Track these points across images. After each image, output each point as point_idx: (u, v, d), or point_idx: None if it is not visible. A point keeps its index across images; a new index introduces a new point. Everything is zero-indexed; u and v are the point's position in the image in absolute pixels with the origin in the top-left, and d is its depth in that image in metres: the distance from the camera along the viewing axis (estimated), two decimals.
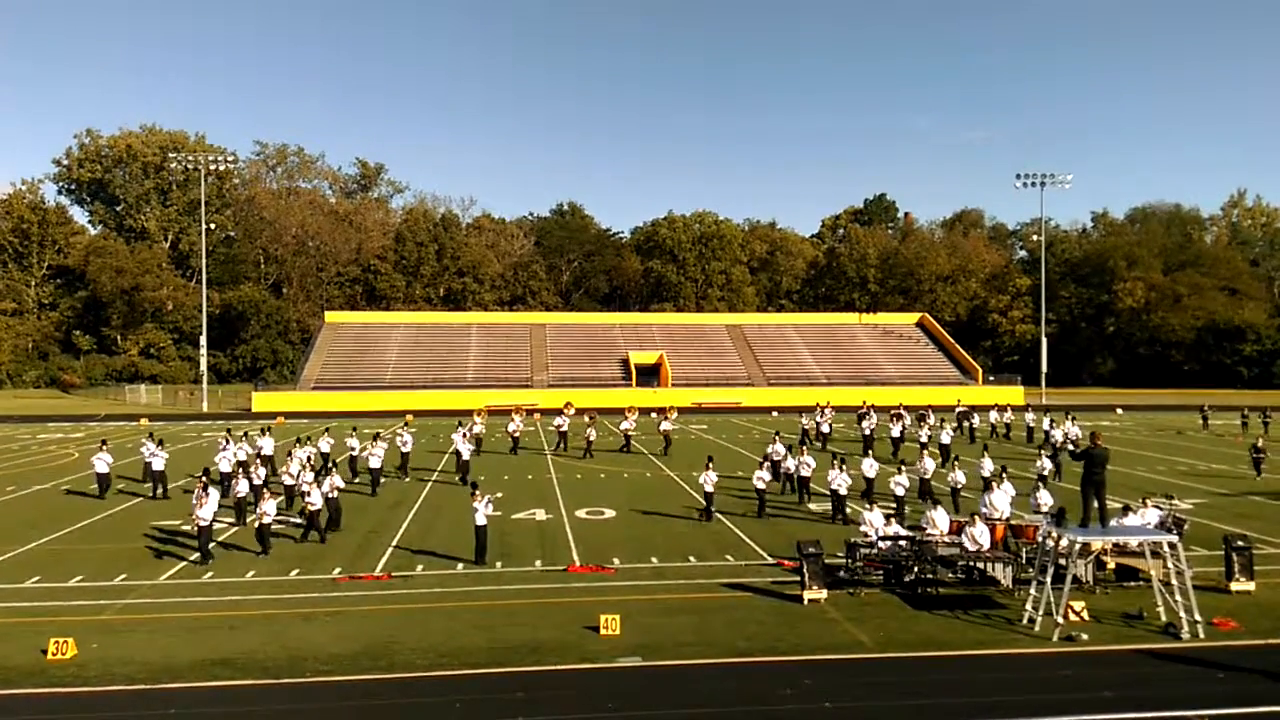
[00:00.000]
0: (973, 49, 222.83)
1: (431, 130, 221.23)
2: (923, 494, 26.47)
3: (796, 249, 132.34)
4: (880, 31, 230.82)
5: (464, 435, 35.01)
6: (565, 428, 43.12)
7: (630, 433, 42.57)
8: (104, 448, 30.98)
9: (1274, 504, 28.01)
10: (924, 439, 36.16)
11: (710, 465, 26.58)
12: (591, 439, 40.50)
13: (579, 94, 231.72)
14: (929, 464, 27.74)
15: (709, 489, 25.86)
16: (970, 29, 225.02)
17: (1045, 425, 42.37)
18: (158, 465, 30.51)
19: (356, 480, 32.06)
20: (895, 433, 40.00)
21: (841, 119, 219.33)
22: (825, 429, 44.47)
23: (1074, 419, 41.03)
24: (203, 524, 21.10)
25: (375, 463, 30.55)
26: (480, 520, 20.47)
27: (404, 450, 34.65)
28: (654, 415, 47.39)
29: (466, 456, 33.61)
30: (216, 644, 15.03)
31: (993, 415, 49.73)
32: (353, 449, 34.09)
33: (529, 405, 67.48)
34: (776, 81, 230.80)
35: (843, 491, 25.28)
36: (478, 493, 20.90)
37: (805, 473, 28.27)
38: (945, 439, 36.79)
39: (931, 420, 43.65)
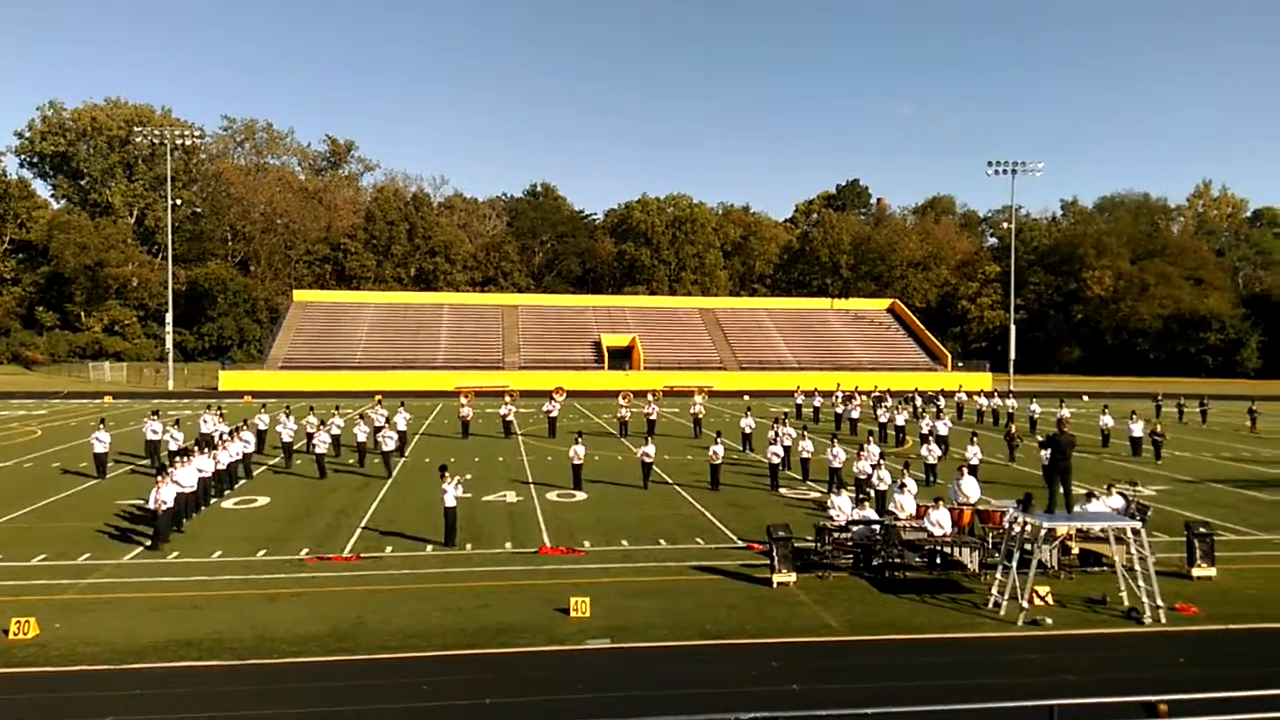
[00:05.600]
0: (946, 37, 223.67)
1: (403, 108, 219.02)
2: (831, 482, 26.32)
3: (770, 233, 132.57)
4: (854, 18, 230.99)
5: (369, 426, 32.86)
6: (555, 413, 42.80)
7: (700, 415, 43.18)
8: (101, 426, 30.43)
9: (1235, 491, 28.50)
10: (925, 428, 36.17)
11: (720, 439, 29.12)
12: (653, 417, 41.60)
13: (553, 75, 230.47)
14: (839, 452, 27.37)
15: (716, 462, 27.72)
16: (944, 18, 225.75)
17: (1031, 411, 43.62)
18: (174, 446, 30.15)
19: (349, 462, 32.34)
20: (900, 420, 40.38)
21: (815, 104, 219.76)
22: (855, 414, 44.42)
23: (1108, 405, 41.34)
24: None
25: (390, 444, 30.26)
26: (449, 502, 20.39)
27: (400, 429, 34.85)
28: (649, 397, 48.04)
29: (390, 446, 30.30)
30: (182, 624, 14.88)
31: (980, 401, 50.32)
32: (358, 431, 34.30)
33: (500, 388, 67.27)
34: (751, 66, 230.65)
35: (775, 461, 27.81)
36: (447, 474, 20.80)
37: (805, 455, 29.65)
38: (943, 430, 35.93)
39: (919, 403, 43.88)
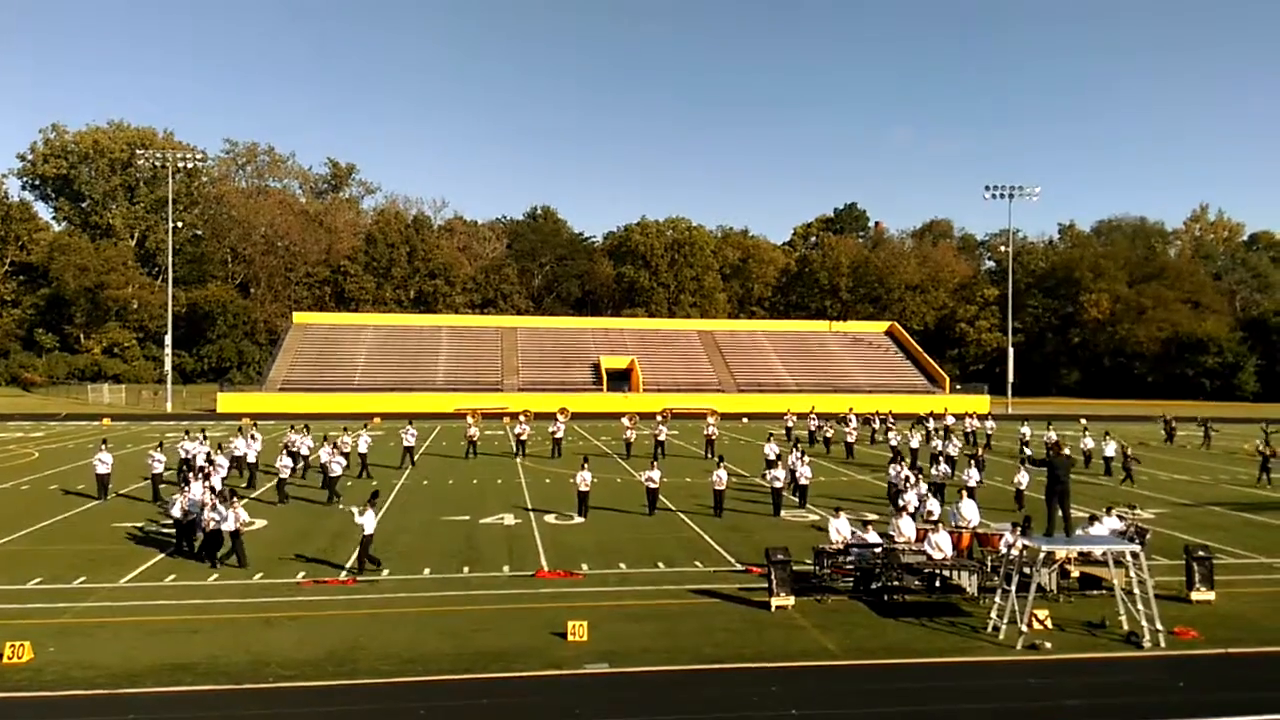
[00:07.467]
0: (944, 61, 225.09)
1: (404, 131, 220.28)
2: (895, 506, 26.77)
3: (768, 256, 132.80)
4: (853, 43, 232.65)
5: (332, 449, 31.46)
6: (560, 434, 42.90)
7: (713, 438, 43.96)
8: (104, 447, 30.44)
9: (1234, 515, 28.45)
10: (937, 448, 36.21)
11: (722, 464, 29.06)
12: (661, 438, 41.65)
13: (553, 97, 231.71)
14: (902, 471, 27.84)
15: (720, 487, 27.45)
16: (942, 42, 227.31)
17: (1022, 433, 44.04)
18: (251, 457, 31.40)
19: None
20: (914, 443, 40.44)
21: (813, 128, 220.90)
22: (851, 438, 44.09)
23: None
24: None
25: (337, 469, 29.75)
26: (368, 529, 20.00)
27: (361, 452, 34.84)
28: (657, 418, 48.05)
29: (337, 471, 29.70)
30: (177, 648, 14.80)
31: (972, 422, 50.27)
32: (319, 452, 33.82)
33: (499, 409, 67.22)
34: (750, 90, 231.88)
35: (778, 485, 27.85)
36: (374, 503, 20.84)
37: (804, 481, 29.43)
38: (952, 450, 36.10)
39: (891, 422, 44.18)
